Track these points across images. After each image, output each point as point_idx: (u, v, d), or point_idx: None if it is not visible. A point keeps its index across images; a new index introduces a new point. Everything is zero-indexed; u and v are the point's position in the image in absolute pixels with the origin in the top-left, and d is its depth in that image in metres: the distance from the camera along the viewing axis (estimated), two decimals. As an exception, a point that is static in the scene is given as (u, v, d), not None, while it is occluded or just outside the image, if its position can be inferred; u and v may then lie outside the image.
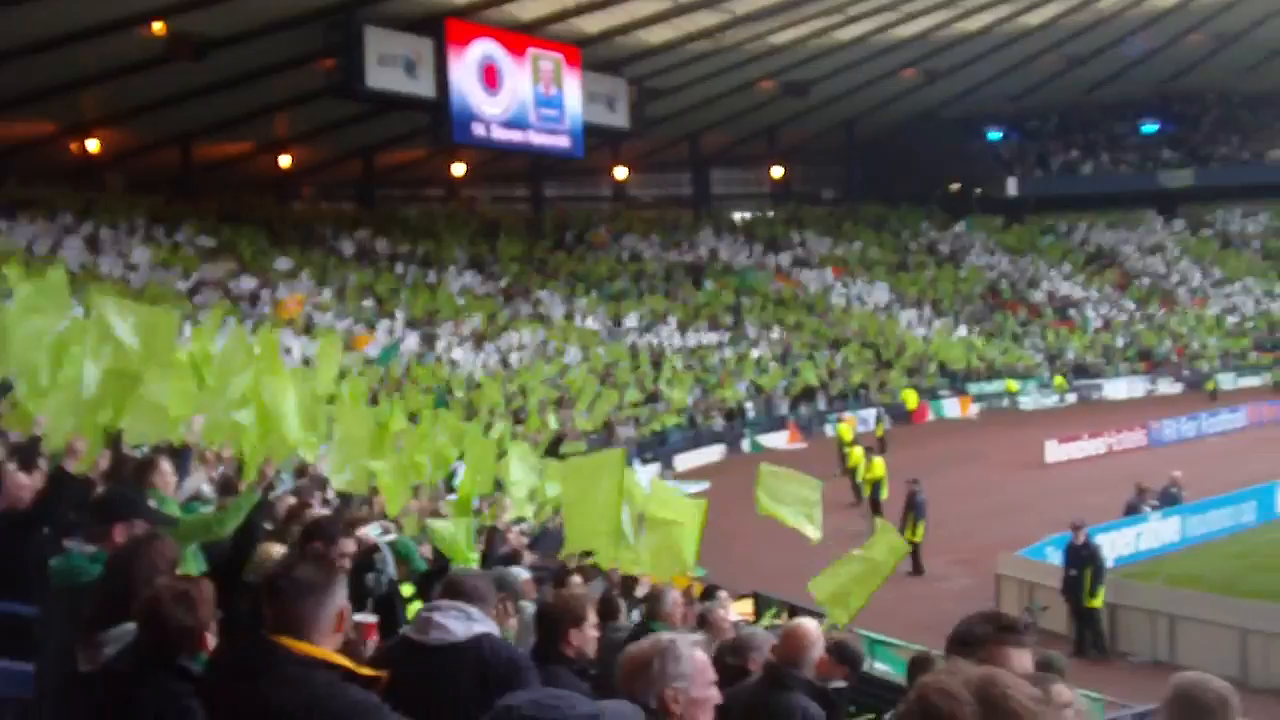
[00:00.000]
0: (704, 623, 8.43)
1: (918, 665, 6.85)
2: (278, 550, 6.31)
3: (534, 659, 5.23)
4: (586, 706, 2.95)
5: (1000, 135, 67.25)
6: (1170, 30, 58.70)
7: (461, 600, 4.55)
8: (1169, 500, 24.08)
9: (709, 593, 11.62)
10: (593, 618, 5.45)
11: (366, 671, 3.62)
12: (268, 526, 7.46)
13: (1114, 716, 13.07)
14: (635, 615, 9.17)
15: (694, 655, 3.56)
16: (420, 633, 4.44)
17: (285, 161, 50.02)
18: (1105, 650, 17.31)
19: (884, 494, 26.95)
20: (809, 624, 5.56)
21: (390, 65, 40.54)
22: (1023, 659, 3.84)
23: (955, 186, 68.97)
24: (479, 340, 41.33)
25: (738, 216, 64.39)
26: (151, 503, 6.20)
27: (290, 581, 3.57)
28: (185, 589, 3.97)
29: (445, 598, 4.67)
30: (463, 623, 4.41)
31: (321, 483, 11.32)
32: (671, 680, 3.45)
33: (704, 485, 30.04)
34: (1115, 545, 21.42)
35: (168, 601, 3.89)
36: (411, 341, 39.51)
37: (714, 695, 3.57)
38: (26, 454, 7.61)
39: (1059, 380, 51.33)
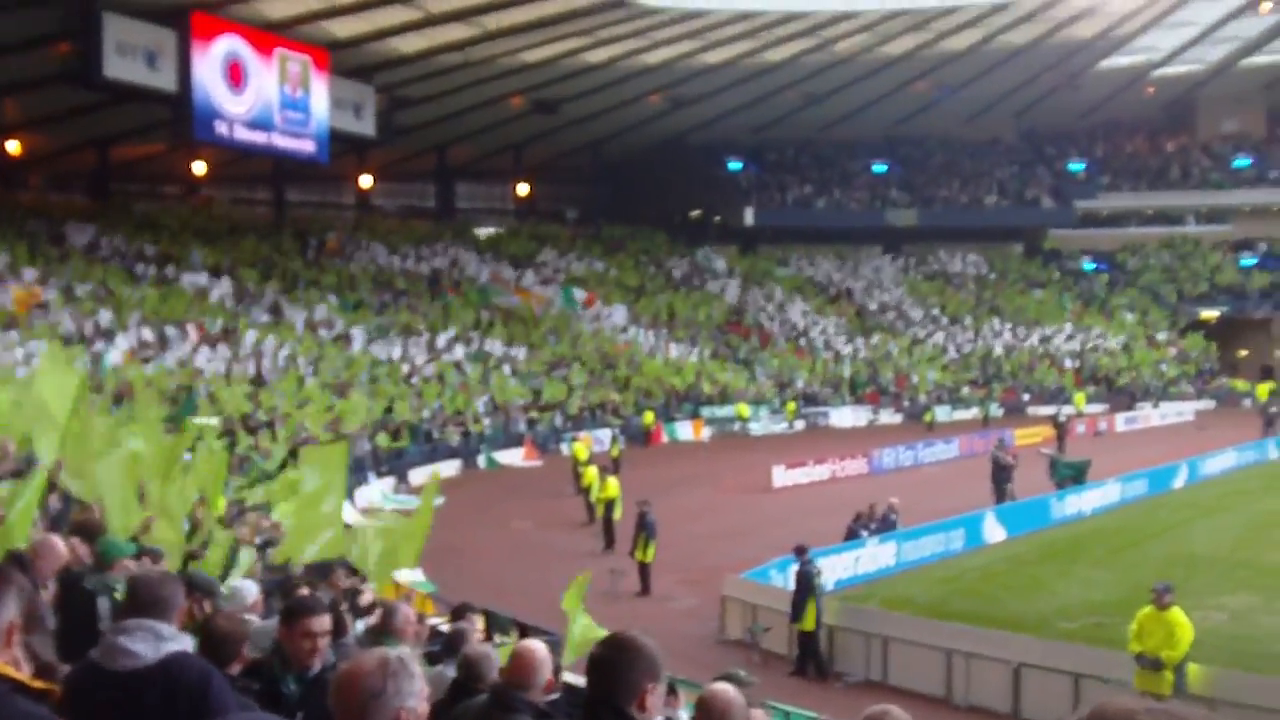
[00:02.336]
0: (454, 642, 8.43)
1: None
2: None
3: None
4: None
5: (740, 165, 69.07)
6: (900, 76, 61.53)
7: (148, 613, 4.31)
8: (887, 525, 25.12)
9: (460, 612, 11.57)
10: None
11: (37, 684, 3.50)
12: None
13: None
14: (359, 626, 9.07)
15: (419, 671, 3.46)
16: (107, 659, 4.17)
17: (13, 147, 47.56)
18: (824, 670, 17.91)
19: (617, 514, 27.25)
20: (538, 646, 5.59)
21: (130, 55, 39.00)
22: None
23: (696, 213, 70.55)
24: (215, 345, 40.08)
25: (482, 231, 64.28)
26: None
27: None
28: None
29: (129, 608, 4.45)
30: (151, 644, 4.17)
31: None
32: (406, 700, 3.22)
33: (438, 501, 29.89)
34: (836, 568, 22.23)
35: None
36: (135, 342, 38.04)
37: (428, 708, 3.39)
38: None
39: (790, 406, 52.95)
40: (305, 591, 9.74)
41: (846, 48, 57.38)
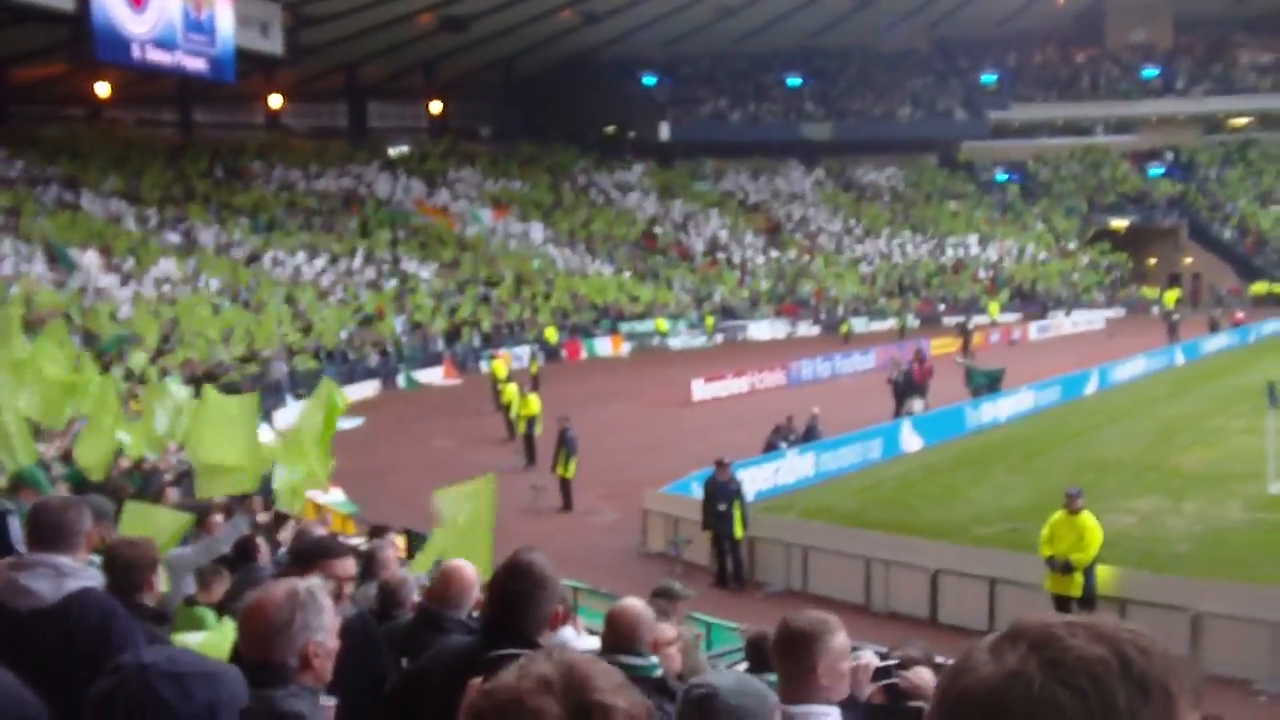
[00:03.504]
0: (370, 562, 8.35)
1: (755, 645, 6.87)
2: None
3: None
4: (214, 664, 2.98)
5: (654, 80, 68.63)
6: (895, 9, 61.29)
7: (49, 545, 4.17)
8: (812, 436, 25.34)
9: (378, 531, 11.49)
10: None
11: None
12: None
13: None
14: (282, 555, 8.93)
15: (329, 603, 3.38)
16: (8, 597, 4.03)
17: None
18: (744, 581, 18.13)
19: (538, 430, 27.28)
20: (466, 565, 5.56)
21: (24, -28, 37.89)
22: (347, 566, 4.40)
23: (610, 129, 70.10)
24: (121, 269, 39.37)
25: (395, 150, 63.48)
26: None
27: None
28: None
29: (32, 537, 4.32)
30: (52, 581, 4.03)
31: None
32: (314, 633, 3.16)
33: (358, 421, 29.77)
34: (755, 480, 22.40)
35: None
36: (41, 267, 37.29)
37: (337, 642, 3.30)
38: None
39: (709, 320, 53.11)
40: (219, 518, 9.61)
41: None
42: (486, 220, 57.01)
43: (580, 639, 8.13)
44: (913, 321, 54.65)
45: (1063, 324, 56.34)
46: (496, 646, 3.72)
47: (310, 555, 4.98)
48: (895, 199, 69.92)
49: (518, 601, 3.82)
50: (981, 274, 62.85)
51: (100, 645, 3.90)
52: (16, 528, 7.40)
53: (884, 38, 69.06)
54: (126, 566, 4.87)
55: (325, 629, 3.20)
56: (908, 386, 30.52)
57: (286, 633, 3.13)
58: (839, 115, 69.26)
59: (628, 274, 56.64)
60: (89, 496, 8.03)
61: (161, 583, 5.13)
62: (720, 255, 61.36)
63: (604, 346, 49.70)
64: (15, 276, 35.15)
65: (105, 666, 3.48)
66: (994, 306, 57.15)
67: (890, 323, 54.87)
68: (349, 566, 4.97)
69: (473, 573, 5.40)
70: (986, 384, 32.30)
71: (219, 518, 9.55)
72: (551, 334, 46.56)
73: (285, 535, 9.53)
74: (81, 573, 4.15)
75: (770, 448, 24.29)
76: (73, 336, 29.16)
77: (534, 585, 3.82)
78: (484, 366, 40.72)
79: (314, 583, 3.38)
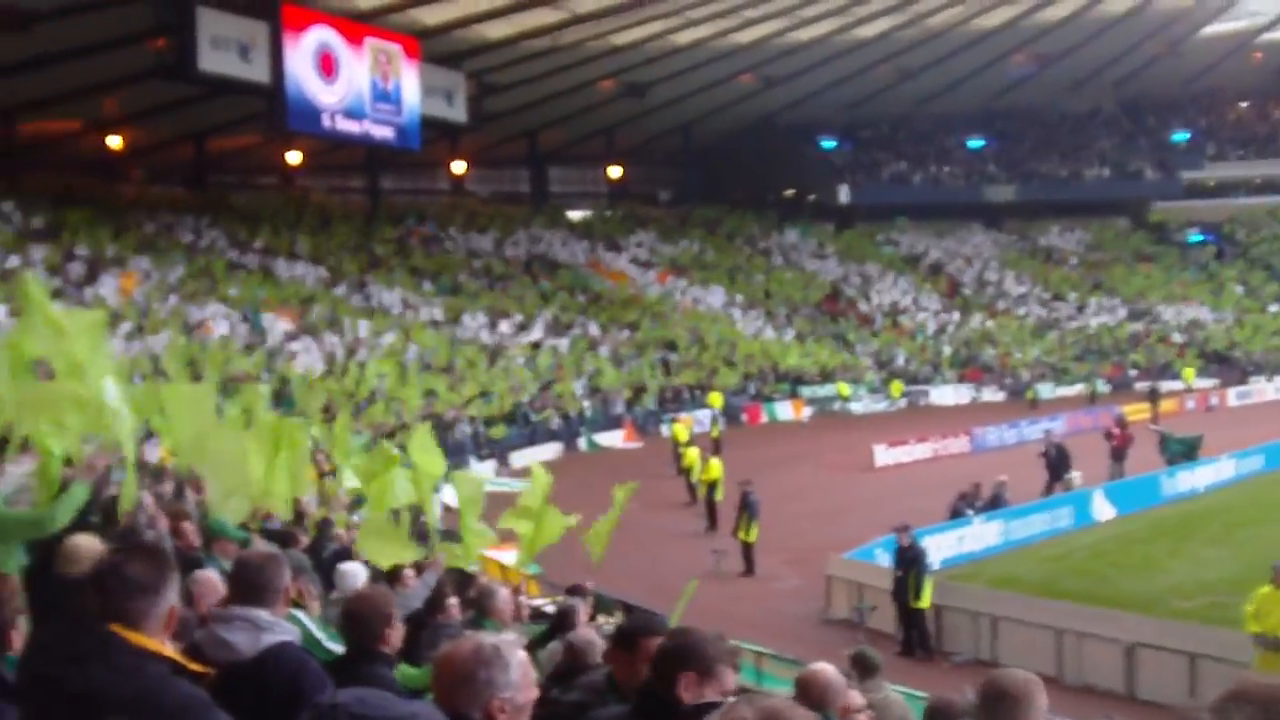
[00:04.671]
0: (562, 620, 8.34)
1: (936, 713, 6.74)
2: (88, 542, 6.04)
3: (351, 659, 5.03)
4: (404, 707, 2.96)
5: (834, 144, 68.43)
6: (996, 49, 60.53)
7: (249, 598, 4.31)
8: (997, 503, 24.76)
9: (575, 590, 11.49)
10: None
11: (196, 667, 3.49)
12: (94, 519, 7.16)
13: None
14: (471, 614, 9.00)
15: (519, 659, 3.40)
16: (208, 648, 4.16)
17: (115, 142, 48.38)
18: (931, 649, 17.71)
19: (719, 495, 27.18)
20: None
21: (224, 48, 39.49)
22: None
23: (789, 193, 70.07)
24: (313, 332, 40.54)
25: (575, 215, 64.37)
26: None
27: (120, 580, 3.39)
28: None
29: (232, 590, 4.45)
30: (249, 634, 4.18)
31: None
32: (500, 690, 3.19)
33: (548, 478, 29.92)
34: (940, 547, 21.93)
35: None
36: (242, 331, 38.61)
37: (534, 695, 3.36)
38: None
39: (896, 385, 52.35)
40: (410, 573, 9.69)
41: (940, 21, 56.56)
42: (664, 284, 57.37)
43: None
44: (1103, 387, 53.15)
45: (1265, 390, 54.00)
46: (649, 715, 3.84)
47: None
48: (1083, 262, 68.21)
49: (670, 670, 3.80)
50: (1175, 338, 60.68)
51: (292, 700, 3.97)
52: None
53: (1066, 97, 67.79)
54: (364, 619, 5.02)
55: (513, 685, 3.21)
56: (1060, 460, 29.29)
57: (471, 686, 3.17)
58: (1023, 177, 68.05)
59: (808, 338, 56.31)
60: (289, 552, 8.15)
61: (399, 635, 5.22)
62: (902, 319, 60.62)
63: (785, 411, 49.37)
64: (210, 339, 36.40)
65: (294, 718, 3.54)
66: (1189, 372, 55.12)
67: (1079, 388, 53.45)
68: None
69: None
70: (1183, 452, 31.14)
71: (410, 572, 9.68)
72: (716, 399, 46.04)
73: (472, 593, 9.57)
74: (279, 627, 4.27)
75: (955, 514, 23.79)
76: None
77: (686, 656, 3.81)
78: (665, 430, 40.79)
79: (505, 639, 3.40)
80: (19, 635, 3.76)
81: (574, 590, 11.35)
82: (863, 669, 9.42)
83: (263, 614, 4.26)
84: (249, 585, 4.38)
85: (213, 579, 6.45)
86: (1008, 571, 21.37)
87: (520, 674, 3.27)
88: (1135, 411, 42.28)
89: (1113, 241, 70.06)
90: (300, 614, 5.93)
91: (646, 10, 48.60)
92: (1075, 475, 28.63)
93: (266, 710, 3.97)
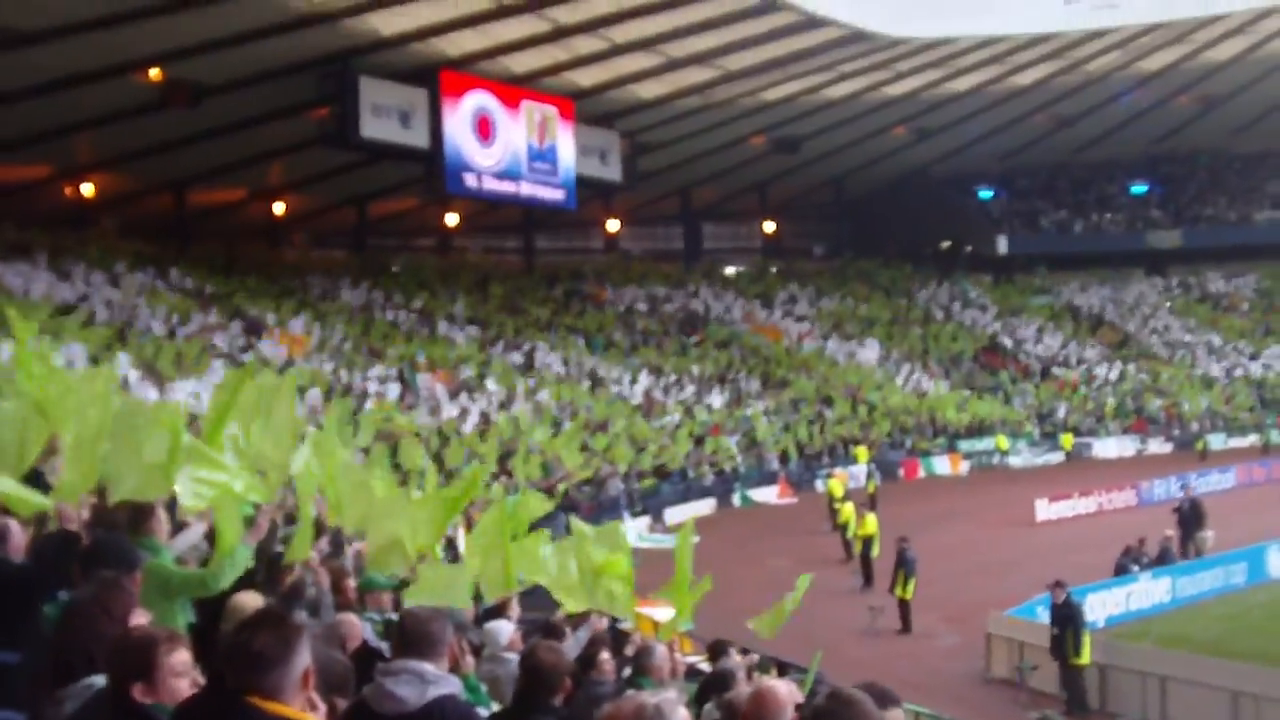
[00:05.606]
0: (724, 684, 8.27)
1: None
2: (250, 599, 6.19)
3: (520, 711, 5.15)
4: None
5: (990, 194, 67.47)
6: (1159, 92, 59.21)
7: (415, 652, 4.43)
8: (1165, 559, 24.02)
9: (718, 649, 11.42)
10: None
11: None
12: (258, 578, 7.33)
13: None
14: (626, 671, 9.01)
15: (681, 716, 3.39)
16: (376, 702, 4.30)
17: (279, 209, 49.99)
18: (1087, 708, 17.16)
19: (875, 551, 26.85)
20: (779, 684, 5.43)
21: (384, 115, 40.63)
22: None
23: (945, 244, 69.23)
24: (471, 391, 41.17)
25: (729, 271, 64.48)
26: (145, 554, 6.08)
27: (248, 655, 3.47)
28: (119, 635, 3.85)
29: (398, 643, 4.56)
30: (416, 688, 4.29)
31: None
32: None
33: (694, 539, 29.86)
34: (1105, 605, 21.35)
35: (104, 647, 3.79)
36: (397, 391, 39.36)
37: None
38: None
39: (1066, 438, 51.17)
40: (567, 631, 9.74)
41: (1099, 66, 55.54)
42: (821, 340, 57.13)
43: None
44: (1277, 438, 51.27)
45: None
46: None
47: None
48: (1255, 307, 65.95)
49: None
50: (1354, 386, 58.28)
51: None
52: (370, 631, 7.70)
53: (1234, 138, 65.78)
54: (549, 671, 5.30)
55: None
56: (1194, 517, 28.14)
57: None
58: (1189, 222, 66.16)
59: (967, 391, 55.47)
60: (451, 609, 8.26)
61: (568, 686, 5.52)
62: (1063, 370, 59.31)
63: (942, 465, 48.63)
64: (370, 398, 37.17)
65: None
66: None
67: (1251, 439, 51.64)
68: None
69: (786, 692, 5.26)
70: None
71: (567, 629, 9.75)
72: (863, 454, 45.34)
73: (629, 651, 9.60)
74: (444, 680, 4.40)
75: (1121, 571, 23.14)
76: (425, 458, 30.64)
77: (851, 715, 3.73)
78: (820, 485, 40.47)
79: (667, 698, 3.46)
80: (151, 690, 3.83)
81: (719, 647, 11.26)
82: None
83: (428, 667, 4.38)
84: (415, 638, 4.50)
85: (355, 621, 6.60)
86: (1177, 630, 20.65)
87: None
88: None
89: (1286, 286, 67.57)
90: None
91: (797, 66, 48.65)
92: (1209, 535, 27.40)
93: None
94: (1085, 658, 17.30)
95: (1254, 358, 61.15)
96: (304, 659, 3.55)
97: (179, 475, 6.69)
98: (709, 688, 8.37)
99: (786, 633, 12.93)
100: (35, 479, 7.15)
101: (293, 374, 8.65)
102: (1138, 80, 57.49)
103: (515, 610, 10.93)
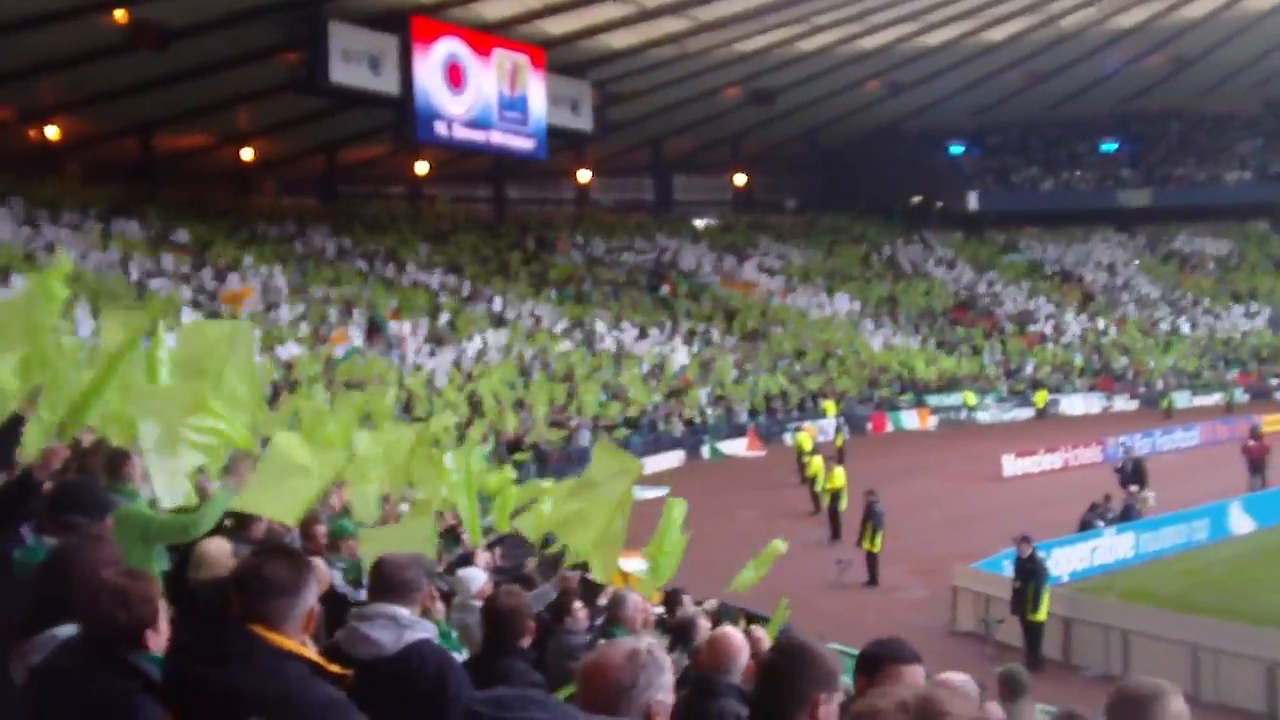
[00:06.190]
0: (685, 633, 8.29)
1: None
2: (218, 546, 6.14)
3: (488, 655, 5.16)
4: (549, 712, 2.98)
5: (962, 150, 67.51)
6: (1131, 51, 59.17)
7: (391, 597, 4.43)
8: (1129, 515, 24.19)
9: (673, 597, 11.46)
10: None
11: (335, 669, 3.51)
12: (227, 524, 7.27)
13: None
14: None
15: (669, 661, 3.38)
16: (351, 646, 4.30)
17: (247, 155, 49.56)
18: (1041, 662, 17.27)
19: (843, 504, 26.93)
20: (734, 631, 5.44)
21: (354, 61, 40.29)
22: (915, 675, 4.03)
23: (917, 200, 69.26)
24: (439, 340, 41.04)
25: (700, 223, 64.34)
26: (121, 499, 6.02)
27: (261, 580, 3.46)
28: (123, 585, 3.81)
29: (373, 588, 4.56)
30: (392, 632, 4.30)
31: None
32: (657, 691, 3.17)
33: (662, 490, 29.94)
34: (1070, 560, 21.49)
35: (105, 598, 3.74)
36: (363, 339, 39.21)
37: (673, 697, 3.33)
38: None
39: (1041, 394, 51.35)
40: (537, 580, 9.75)
41: (1073, 22, 55.45)
42: (783, 290, 57.16)
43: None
44: (1240, 396, 51.68)
45: None
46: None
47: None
48: (1221, 267, 66.32)
49: (778, 677, 3.72)
50: (1318, 345, 58.77)
51: (438, 693, 4.20)
52: (339, 579, 7.67)
53: (1205, 98, 65.90)
54: (510, 614, 5.41)
55: (666, 688, 3.23)
56: (1135, 477, 28.35)
57: (630, 692, 3.16)
58: (1159, 181, 66.39)
59: (935, 346, 55.64)
60: (420, 556, 8.23)
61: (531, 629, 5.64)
62: (1031, 327, 59.55)
63: (910, 420, 48.82)
64: (341, 348, 37.02)
65: (441, 712, 3.79)
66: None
67: (1216, 398, 52.04)
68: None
69: (741, 638, 5.28)
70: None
71: (537, 578, 9.80)
72: (831, 408, 45.57)
73: (602, 601, 9.60)
74: (420, 625, 4.43)
75: (1086, 526, 23.29)
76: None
77: (796, 664, 3.69)
78: (788, 439, 40.55)
79: (653, 641, 3.39)
80: (158, 637, 3.81)
81: (671, 597, 11.31)
82: (1011, 689, 9.22)
83: (404, 612, 4.40)
84: (391, 584, 4.52)
85: (322, 566, 6.57)
86: (1140, 585, 20.78)
87: (669, 675, 3.28)
88: (1274, 422, 41.07)
89: (1253, 246, 67.99)
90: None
91: (772, 17, 48.38)
92: (1149, 495, 27.50)
93: (412, 704, 4.14)
94: (1043, 614, 17.41)
95: (1219, 316, 61.55)
96: (312, 595, 3.57)
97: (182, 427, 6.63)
98: (676, 637, 8.41)
99: (755, 585, 13.00)
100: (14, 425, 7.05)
101: (247, 323, 8.52)
102: (1111, 37, 57.43)
103: (484, 558, 10.95)
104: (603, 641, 5.34)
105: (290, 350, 34.87)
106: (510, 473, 15.31)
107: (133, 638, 3.73)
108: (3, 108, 41.60)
